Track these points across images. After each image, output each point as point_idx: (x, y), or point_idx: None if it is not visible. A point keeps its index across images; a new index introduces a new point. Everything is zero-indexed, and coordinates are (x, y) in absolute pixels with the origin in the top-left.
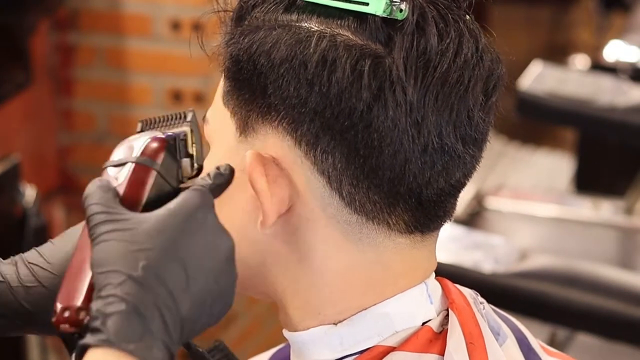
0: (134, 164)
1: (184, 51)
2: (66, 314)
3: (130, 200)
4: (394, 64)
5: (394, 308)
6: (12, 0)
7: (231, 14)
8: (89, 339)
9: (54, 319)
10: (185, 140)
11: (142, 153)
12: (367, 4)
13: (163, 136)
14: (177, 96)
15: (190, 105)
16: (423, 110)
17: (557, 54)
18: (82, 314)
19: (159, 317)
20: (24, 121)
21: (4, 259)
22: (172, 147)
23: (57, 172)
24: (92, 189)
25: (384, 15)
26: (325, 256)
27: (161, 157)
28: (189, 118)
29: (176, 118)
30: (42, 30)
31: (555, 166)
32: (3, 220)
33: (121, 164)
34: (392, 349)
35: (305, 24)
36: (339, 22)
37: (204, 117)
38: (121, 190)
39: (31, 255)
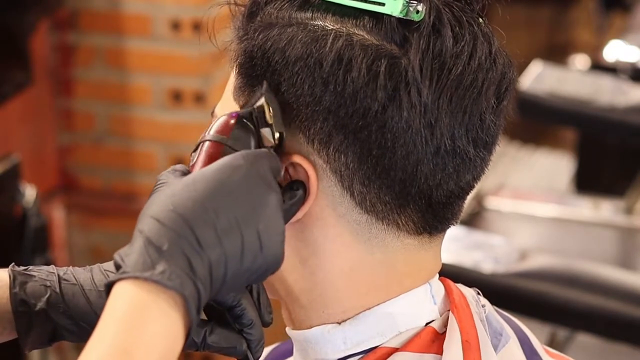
0: (205, 142)
1: (184, 51)
2: None
3: None
4: (410, 65)
5: (397, 308)
6: (12, 0)
7: (242, 9)
8: (111, 276)
9: None
10: (263, 112)
11: (215, 131)
12: (383, 4)
13: (236, 112)
14: (177, 96)
15: (190, 105)
16: (437, 112)
17: (557, 54)
18: None
19: (179, 252)
20: (24, 121)
21: (4, 259)
22: (248, 120)
23: (57, 172)
24: (162, 173)
25: (400, 16)
26: (333, 255)
27: (232, 131)
28: (263, 89)
29: (255, 95)
30: (42, 30)
31: (555, 166)
32: (3, 220)
33: (197, 146)
34: (395, 350)
35: (320, 22)
36: (354, 22)
37: (212, 112)
38: (196, 168)
39: (109, 264)
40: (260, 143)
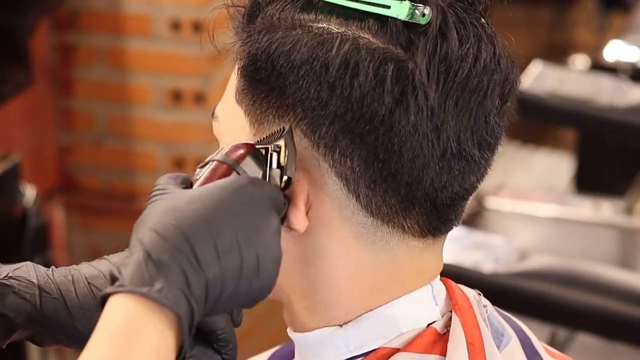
0: (215, 162)
1: (184, 51)
2: None
3: None
4: (417, 69)
5: (399, 309)
6: (12, 0)
7: (242, 10)
8: (108, 288)
9: None
10: (279, 153)
11: (226, 154)
12: (388, 7)
13: (251, 142)
14: (177, 96)
15: (190, 105)
16: (443, 115)
17: (557, 54)
18: None
19: (178, 269)
20: (24, 121)
21: (4, 259)
22: (260, 155)
23: (57, 172)
24: (161, 178)
25: (406, 19)
26: (337, 258)
27: (243, 160)
28: (285, 131)
29: (276, 133)
30: (42, 30)
31: (555, 166)
32: (3, 220)
33: (206, 164)
34: (397, 351)
35: (324, 25)
36: (358, 24)
37: (213, 113)
38: (198, 184)
39: (90, 272)
40: (267, 180)
